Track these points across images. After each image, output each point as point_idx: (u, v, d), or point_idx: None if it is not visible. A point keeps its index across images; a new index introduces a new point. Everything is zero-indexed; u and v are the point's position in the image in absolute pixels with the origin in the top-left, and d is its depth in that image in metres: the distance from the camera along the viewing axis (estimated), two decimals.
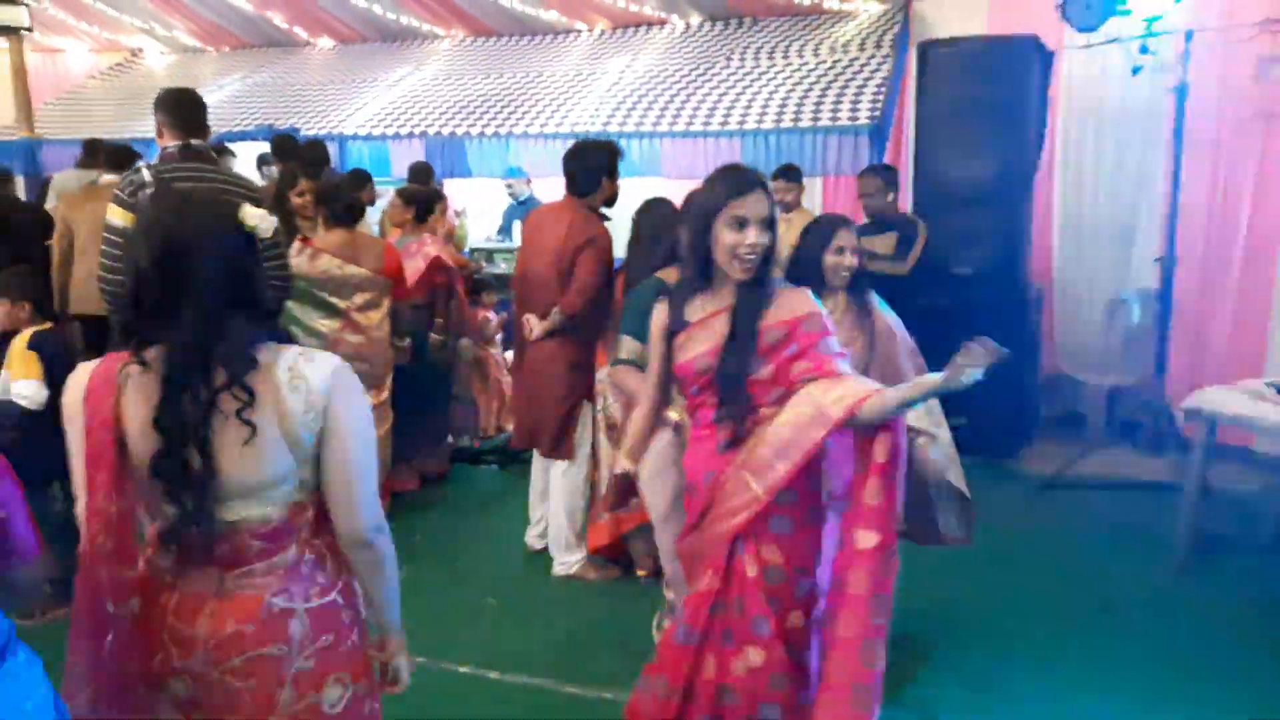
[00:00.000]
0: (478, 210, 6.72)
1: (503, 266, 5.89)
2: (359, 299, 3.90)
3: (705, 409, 2.02)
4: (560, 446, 3.56)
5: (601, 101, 6.18)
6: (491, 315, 5.32)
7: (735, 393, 1.95)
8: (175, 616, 1.40)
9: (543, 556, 3.75)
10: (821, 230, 2.61)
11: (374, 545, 1.45)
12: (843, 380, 1.89)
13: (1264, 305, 4.74)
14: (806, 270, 2.50)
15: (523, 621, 3.33)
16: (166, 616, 1.41)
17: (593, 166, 3.49)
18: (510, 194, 6.39)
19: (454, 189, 6.37)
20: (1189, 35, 4.28)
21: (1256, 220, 4.75)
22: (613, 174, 3.52)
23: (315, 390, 1.37)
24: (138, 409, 1.34)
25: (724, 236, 1.90)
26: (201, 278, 1.32)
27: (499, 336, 5.38)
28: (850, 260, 2.55)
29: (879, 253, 4.25)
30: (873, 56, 5.90)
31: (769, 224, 1.91)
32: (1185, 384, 4.46)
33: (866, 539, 1.86)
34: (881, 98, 5.41)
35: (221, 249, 1.35)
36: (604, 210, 3.59)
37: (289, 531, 1.43)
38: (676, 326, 2.04)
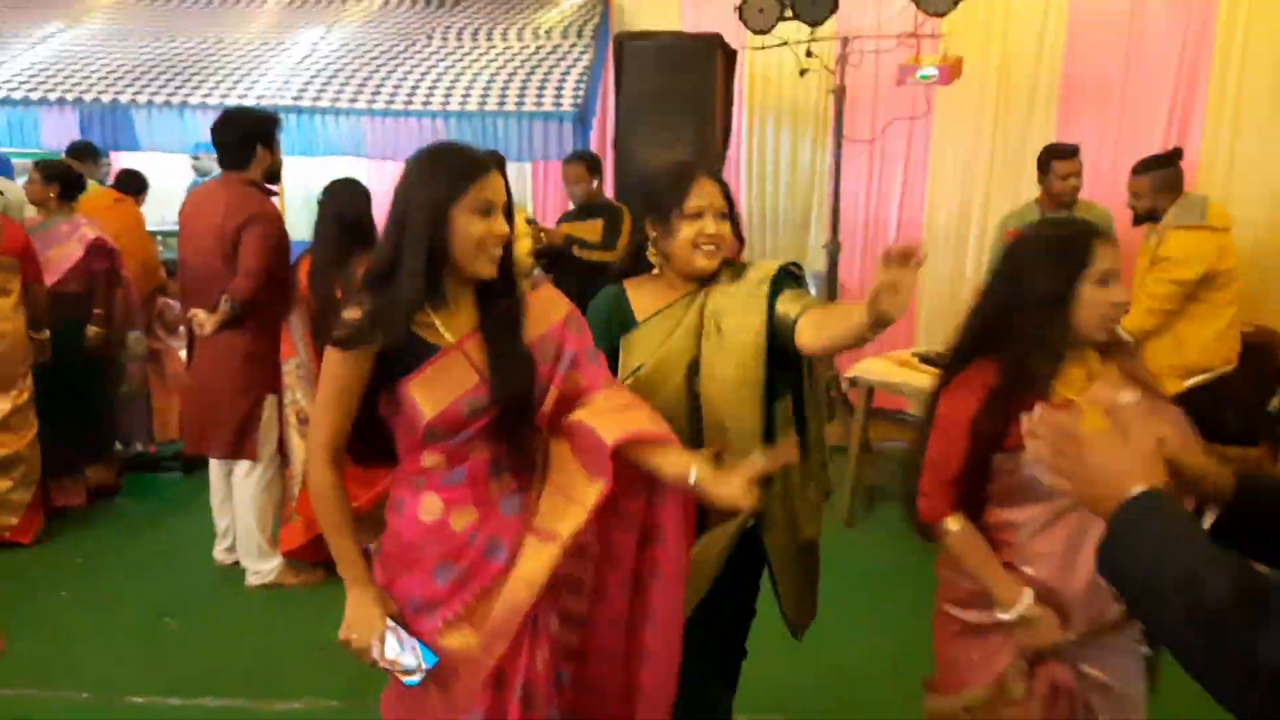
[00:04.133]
0: (166, 191, 6.00)
1: None
2: None
3: (467, 463, 1.55)
4: (241, 446, 3.29)
5: (293, 73, 5.77)
6: (174, 303, 4.79)
7: (520, 433, 1.58)
8: None
9: (237, 570, 3.47)
10: None
11: None
12: (632, 406, 1.65)
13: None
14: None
15: (210, 641, 3.07)
16: None
17: (243, 135, 3.21)
18: (196, 170, 5.80)
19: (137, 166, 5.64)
20: (844, 42, 4.78)
21: (904, 211, 5.44)
22: (269, 143, 3.26)
23: None
24: None
25: (469, 228, 1.48)
26: None
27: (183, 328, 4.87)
28: None
29: (587, 240, 4.35)
30: (574, 45, 6.01)
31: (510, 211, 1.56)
32: (854, 356, 5.02)
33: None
34: (584, 85, 5.54)
35: None
36: (270, 187, 3.32)
37: None
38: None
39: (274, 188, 3.34)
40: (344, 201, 3.12)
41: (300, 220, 5.47)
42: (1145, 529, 0.89)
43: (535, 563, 1.54)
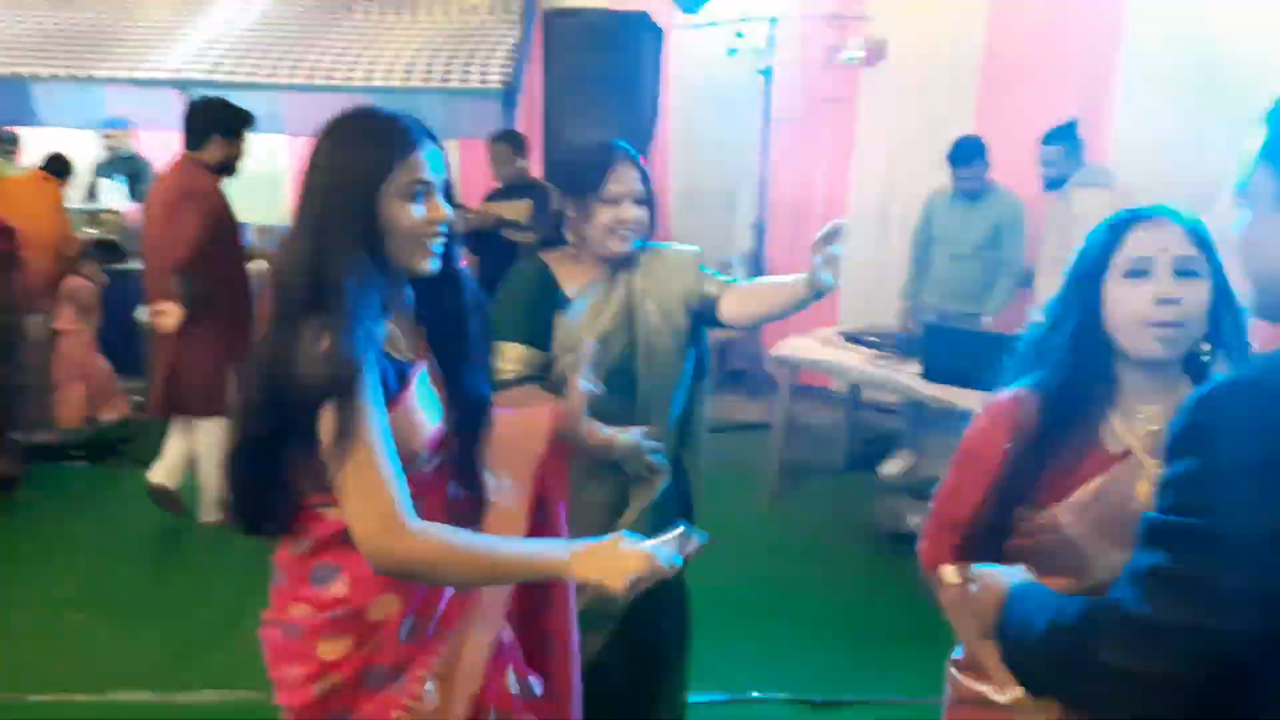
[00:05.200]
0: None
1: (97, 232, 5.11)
2: None
3: (426, 497, 1.30)
4: (213, 402, 3.46)
5: (207, 46, 5.56)
6: (87, 283, 4.58)
7: (478, 454, 1.39)
8: None
9: (147, 559, 3.38)
10: None
11: None
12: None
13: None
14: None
15: (119, 634, 2.97)
16: None
17: (205, 121, 3.44)
18: (108, 148, 5.54)
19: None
20: (773, 22, 4.79)
21: (830, 190, 5.49)
22: (227, 130, 3.44)
23: None
24: None
25: (399, 216, 1.23)
26: None
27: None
28: None
29: (513, 219, 4.30)
30: (501, 20, 5.91)
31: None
32: (778, 334, 5.07)
33: None
34: (511, 62, 5.45)
35: None
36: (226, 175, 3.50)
37: None
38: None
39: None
40: None
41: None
42: (1027, 602, 1.07)
43: (492, 591, 1.39)
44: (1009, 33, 4.92)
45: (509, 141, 4.54)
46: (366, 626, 1.28)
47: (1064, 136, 3.91)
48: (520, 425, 1.50)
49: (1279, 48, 4.02)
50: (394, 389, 1.24)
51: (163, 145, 6.08)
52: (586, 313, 1.85)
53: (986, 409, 1.34)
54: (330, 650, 1.28)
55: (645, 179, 1.86)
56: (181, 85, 5.20)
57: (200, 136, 3.42)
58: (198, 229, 3.32)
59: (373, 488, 1.17)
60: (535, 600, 1.55)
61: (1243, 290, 1.00)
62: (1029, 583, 1.13)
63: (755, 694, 2.69)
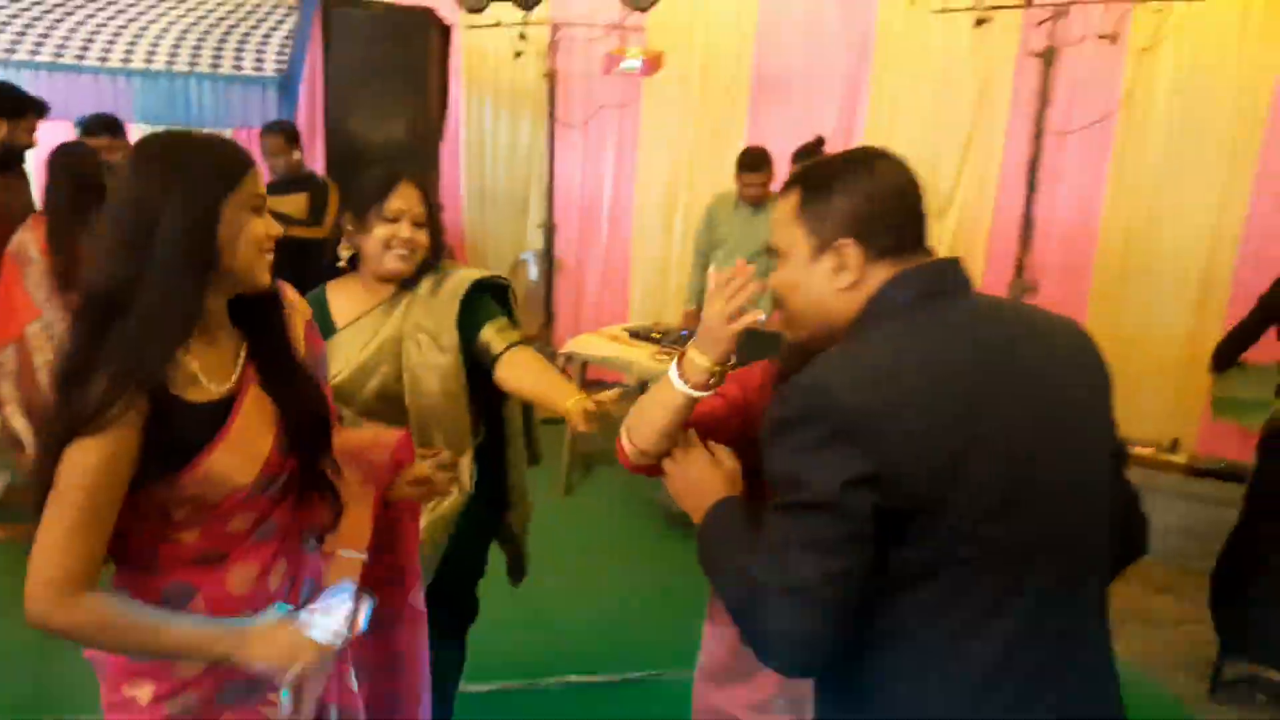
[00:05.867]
0: None
1: None
2: None
3: (275, 513, 1.33)
4: None
5: None
6: None
7: (323, 463, 1.40)
8: None
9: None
10: None
11: None
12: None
13: (625, 264, 5.77)
14: None
15: None
16: None
17: None
18: None
19: None
20: (555, 28, 4.93)
21: (616, 192, 5.72)
22: (11, 113, 3.42)
23: None
24: None
25: (248, 228, 1.22)
26: None
27: None
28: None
29: (290, 215, 4.16)
30: (276, 6, 5.65)
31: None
32: (570, 332, 5.23)
33: None
34: (289, 50, 5.24)
35: None
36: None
37: None
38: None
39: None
40: (75, 160, 3.25)
41: None
42: (722, 526, 1.19)
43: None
44: (774, 49, 5.33)
45: (281, 133, 4.39)
46: None
47: (811, 154, 4.13)
48: (360, 453, 1.55)
49: (1000, 75, 4.68)
50: (200, 440, 1.19)
51: None
52: (353, 343, 1.88)
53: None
54: (188, 666, 1.24)
55: (428, 201, 1.90)
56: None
57: None
58: None
59: (52, 549, 1.12)
60: (385, 616, 1.59)
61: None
62: (722, 508, 1.21)
63: (551, 679, 2.80)
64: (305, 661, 1.19)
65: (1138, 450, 3.73)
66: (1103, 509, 1.12)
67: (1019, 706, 1.04)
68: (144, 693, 1.25)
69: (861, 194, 1.10)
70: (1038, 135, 4.02)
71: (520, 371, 1.83)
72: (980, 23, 4.16)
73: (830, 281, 1.12)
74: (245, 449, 1.23)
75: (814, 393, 1.01)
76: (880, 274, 1.09)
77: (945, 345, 1.05)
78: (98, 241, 1.20)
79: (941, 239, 4.91)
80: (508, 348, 1.85)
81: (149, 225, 1.14)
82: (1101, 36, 3.90)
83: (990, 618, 1.03)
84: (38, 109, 3.45)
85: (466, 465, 1.93)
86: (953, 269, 1.11)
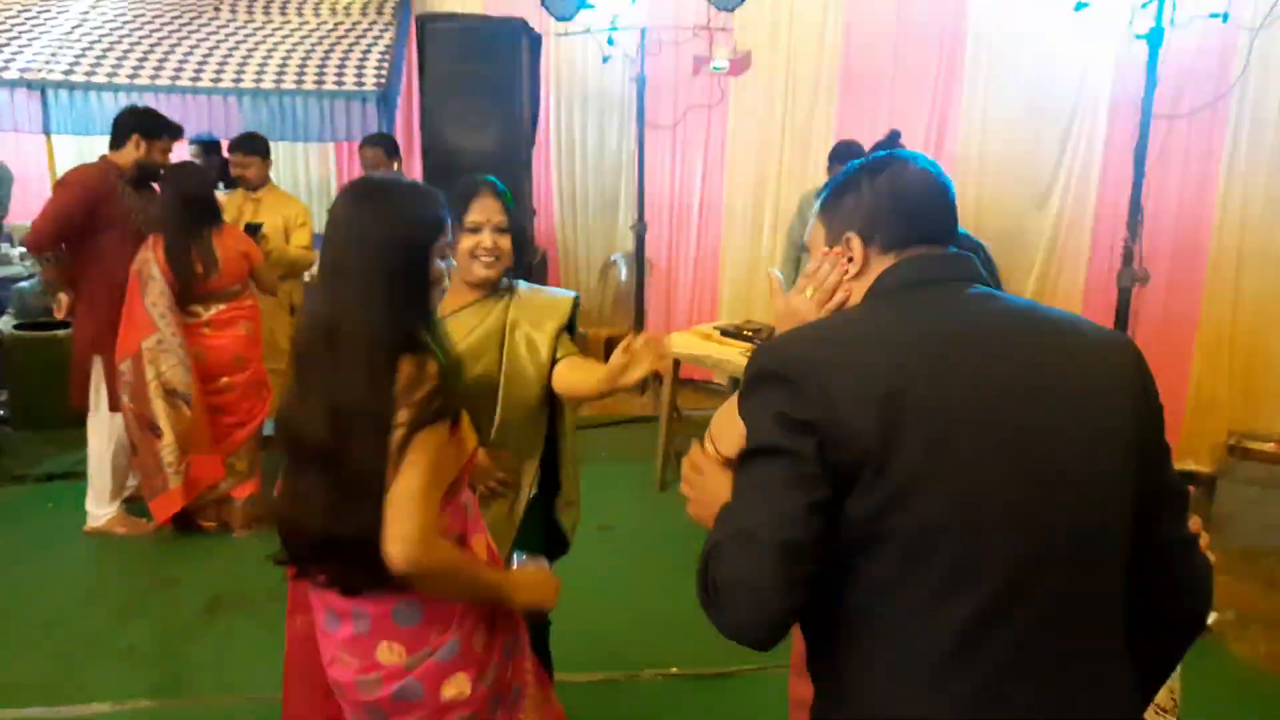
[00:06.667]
0: None
1: None
2: None
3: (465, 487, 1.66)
4: (80, 395, 3.63)
5: (62, 45, 5.30)
6: None
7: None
8: None
9: (33, 571, 3.28)
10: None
11: None
12: None
13: (715, 263, 5.79)
14: None
15: (6, 649, 2.89)
16: None
17: (124, 123, 3.61)
18: None
19: None
20: (644, 32, 4.98)
21: (706, 193, 5.74)
22: (148, 133, 3.59)
23: None
24: None
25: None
26: None
27: None
28: None
29: None
30: (374, 23, 5.88)
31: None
32: (661, 331, 5.28)
33: None
34: (387, 65, 5.44)
35: None
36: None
37: None
38: None
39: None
40: (188, 182, 3.46)
41: None
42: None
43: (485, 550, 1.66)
44: (863, 46, 5.27)
45: (381, 145, 4.57)
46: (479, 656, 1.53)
47: (888, 147, 4.17)
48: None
49: (1102, 60, 4.52)
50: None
51: (17, 149, 5.80)
52: (453, 333, 1.96)
53: None
54: (453, 688, 1.49)
55: (509, 210, 2.01)
56: (32, 87, 4.96)
57: (120, 138, 3.59)
58: (50, 209, 3.47)
59: (413, 505, 1.36)
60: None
61: None
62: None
63: (653, 671, 2.83)
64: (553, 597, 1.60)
65: (1258, 445, 3.55)
66: (1095, 516, 1.05)
67: (978, 706, 0.98)
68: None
69: (867, 194, 1.19)
70: (1144, 121, 3.87)
71: (564, 369, 2.00)
72: (1081, 6, 4.03)
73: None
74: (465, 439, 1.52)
75: (766, 352, 1.08)
76: (883, 265, 1.17)
77: (899, 319, 1.09)
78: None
79: (1041, 229, 4.77)
80: (565, 354, 2.02)
81: (396, 259, 1.43)
82: (1212, 15, 3.73)
83: (940, 602, 0.99)
84: (172, 131, 3.69)
85: (532, 468, 2.05)
86: (951, 261, 1.16)
